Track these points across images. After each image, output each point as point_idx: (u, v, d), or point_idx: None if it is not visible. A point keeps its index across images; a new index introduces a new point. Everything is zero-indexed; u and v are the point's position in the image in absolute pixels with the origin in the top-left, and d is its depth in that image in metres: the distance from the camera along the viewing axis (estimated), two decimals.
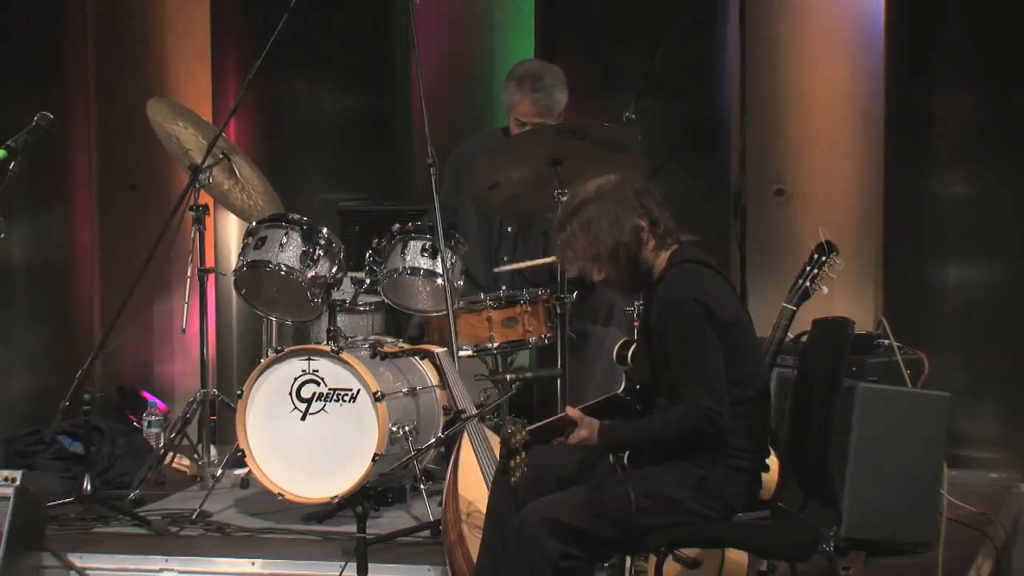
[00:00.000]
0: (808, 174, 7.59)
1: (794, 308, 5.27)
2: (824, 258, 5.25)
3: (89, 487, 6.00)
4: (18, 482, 5.45)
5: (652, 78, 6.70)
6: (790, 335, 5.37)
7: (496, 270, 6.45)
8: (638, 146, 6.13)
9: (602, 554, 4.61)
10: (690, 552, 4.68)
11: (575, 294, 6.07)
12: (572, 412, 4.47)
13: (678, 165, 6.96)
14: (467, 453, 5.35)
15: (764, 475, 4.65)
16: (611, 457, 4.68)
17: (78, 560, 5.58)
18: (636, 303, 6.05)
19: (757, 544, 4.63)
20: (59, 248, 7.54)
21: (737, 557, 4.86)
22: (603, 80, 7.33)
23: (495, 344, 6.17)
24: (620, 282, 4.62)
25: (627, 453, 4.65)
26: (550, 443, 4.55)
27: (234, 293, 6.49)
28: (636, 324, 5.97)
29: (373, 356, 5.92)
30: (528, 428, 4.40)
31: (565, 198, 5.56)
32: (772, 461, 4.73)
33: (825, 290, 5.25)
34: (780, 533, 4.59)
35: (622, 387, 4.77)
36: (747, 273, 6.96)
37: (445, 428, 5.97)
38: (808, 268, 5.26)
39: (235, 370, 7.64)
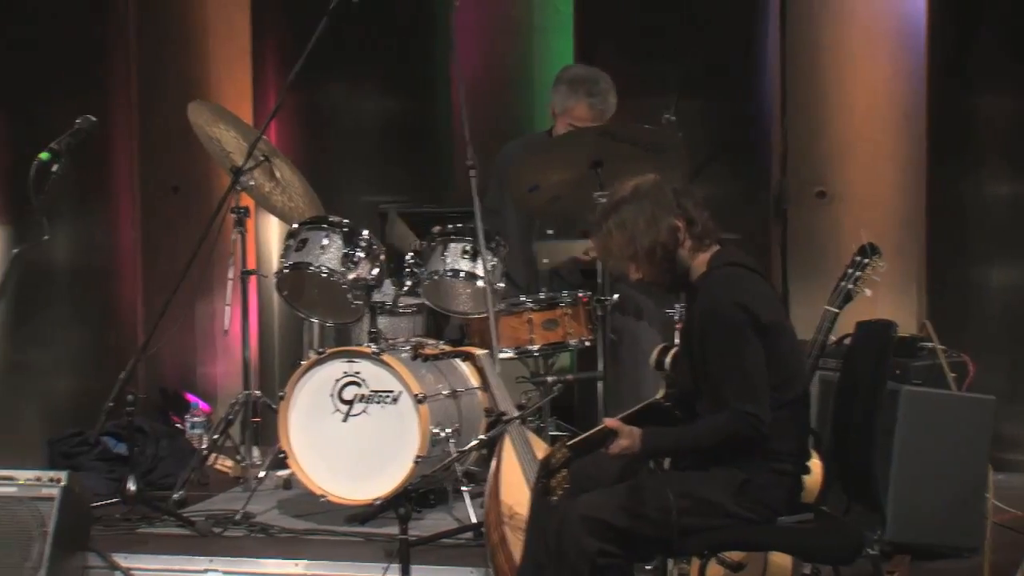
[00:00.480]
0: (849, 176, 7.58)
1: (836, 310, 5.25)
2: (866, 260, 5.23)
3: (133, 488, 6.04)
4: (64, 482, 5.49)
5: (690, 80, 6.70)
6: (832, 337, 5.35)
7: (538, 242, 6.42)
8: (678, 148, 6.12)
9: (641, 554, 4.60)
10: (733, 555, 4.67)
11: (618, 296, 6.09)
12: (611, 422, 4.45)
13: (718, 167, 6.95)
14: (509, 455, 5.35)
15: (807, 478, 4.63)
16: (652, 461, 4.70)
17: (123, 560, 5.61)
18: (677, 306, 6.05)
19: (801, 547, 4.61)
20: (102, 250, 7.56)
21: (781, 560, 4.85)
22: (642, 81, 7.31)
23: (536, 346, 6.18)
24: (656, 282, 4.61)
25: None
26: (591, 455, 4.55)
27: (276, 295, 6.51)
28: (678, 327, 5.98)
29: (414, 358, 5.94)
30: (568, 444, 4.39)
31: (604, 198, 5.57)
32: (815, 464, 4.72)
33: (868, 292, 5.23)
34: (824, 536, 4.57)
35: (662, 393, 4.76)
36: (788, 275, 6.95)
37: (487, 430, 5.98)
38: (850, 270, 5.24)
39: (277, 372, 7.65)
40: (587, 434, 4.50)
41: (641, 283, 4.61)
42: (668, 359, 4.81)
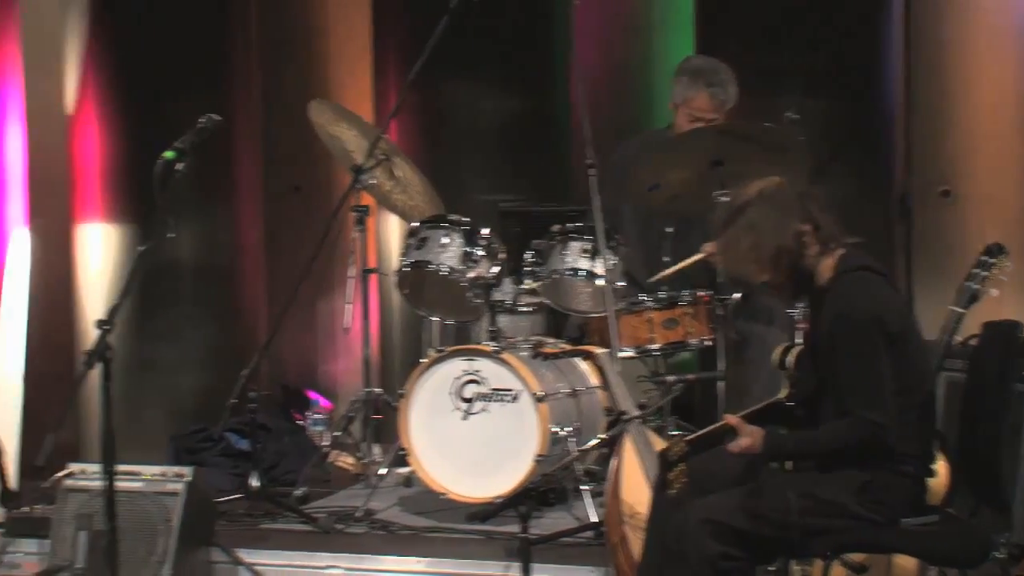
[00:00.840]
0: (975, 175, 7.45)
1: (962, 311, 5.19)
2: (993, 260, 5.17)
3: (256, 484, 6.09)
4: (188, 478, 5.56)
5: (812, 78, 6.64)
6: (958, 338, 5.28)
7: (652, 280, 6.37)
8: (800, 147, 6.07)
9: (763, 555, 4.57)
10: (857, 557, 4.62)
11: (741, 295, 6.05)
12: (731, 420, 4.45)
13: (840, 166, 6.87)
14: (629, 455, 5.34)
15: (933, 480, 4.58)
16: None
17: (246, 556, 5.66)
18: (800, 306, 5.99)
19: (926, 550, 4.55)
20: (225, 248, 7.63)
21: (905, 563, 4.80)
22: (763, 79, 7.24)
23: (656, 346, 6.15)
24: (781, 287, 4.58)
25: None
26: (710, 451, 4.53)
27: (396, 293, 6.54)
28: (799, 327, 5.93)
29: (535, 357, 5.94)
30: (687, 439, 4.39)
31: (726, 199, 5.54)
32: (941, 466, 4.67)
33: (995, 292, 5.16)
34: (950, 539, 4.51)
35: (784, 393, 4.72)
36: (913, 276, 6.85)
37: (607, 429, 5.97)
38: (976, 270, 5.18)
39: (397, 370, 7.68)
40: (707, 430, 4.49)
41: (766, 288, 4.58)
42: (790, 359, 4.76)
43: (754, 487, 4.44)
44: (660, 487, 4.46)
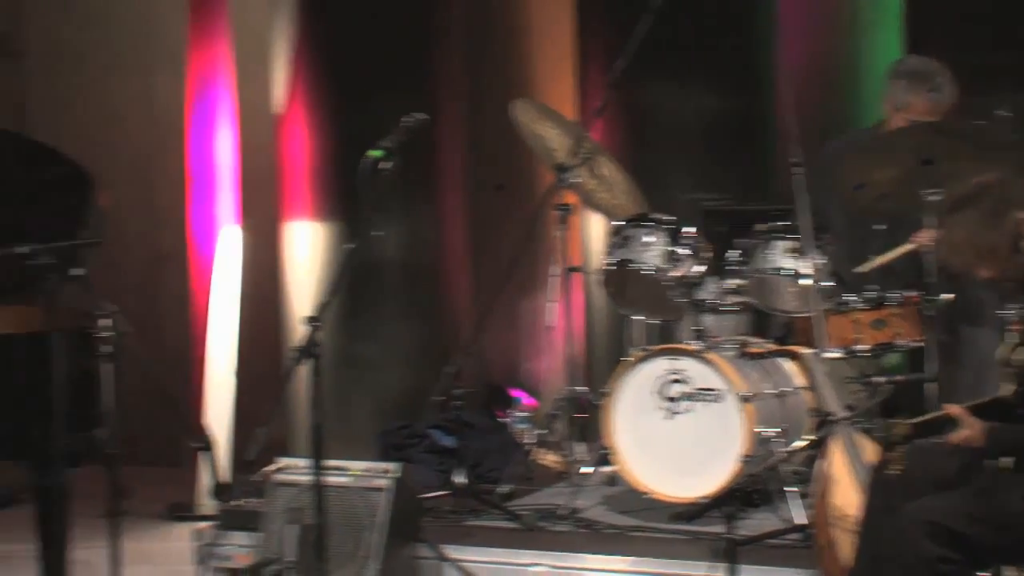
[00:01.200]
0: None
1: None
2: None
3: (462, 481, 6.13)
4: (396, 474, 5.62)
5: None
6: None
7: (856, 270, 6.31)
8: (1012, 145, 5.95)
9: (981, 560, 4.48)
10: None
11: (953, 295, 5.94)
12: (954, 409, 4.37)
13: None
14: (837, 457, 5.26)
15: None
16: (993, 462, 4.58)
17: (452, 552, 5.70)
18: (1013, 306, 5.86)
19: None
20: (430, 246, 7.72)
21: None
22: (973, 76, 7.09)
23: (863, 346, 6.07)
24: (1006, 280, 4.49)
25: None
26: (931, 438, 4.45)
27: (599, 292, 6.54)
28: (1013, 328, 5.78)
29: (740, 356, 5.89)
30: (911, 422, 4.34)
31: (939, 196, 5.45)
32: None
33: None
34: None
35: (1009, 390, 4.62)
36: None
37: (814, 431, 5.90)
38: None
39: (601, 368, 7.66)
40: (930, 416, 4.43)
41: (990, 282, 4.50)
42: (1019, 356, 4.66)
43: (974, 489, 4.36)
44: (881, 466, 4.41)
